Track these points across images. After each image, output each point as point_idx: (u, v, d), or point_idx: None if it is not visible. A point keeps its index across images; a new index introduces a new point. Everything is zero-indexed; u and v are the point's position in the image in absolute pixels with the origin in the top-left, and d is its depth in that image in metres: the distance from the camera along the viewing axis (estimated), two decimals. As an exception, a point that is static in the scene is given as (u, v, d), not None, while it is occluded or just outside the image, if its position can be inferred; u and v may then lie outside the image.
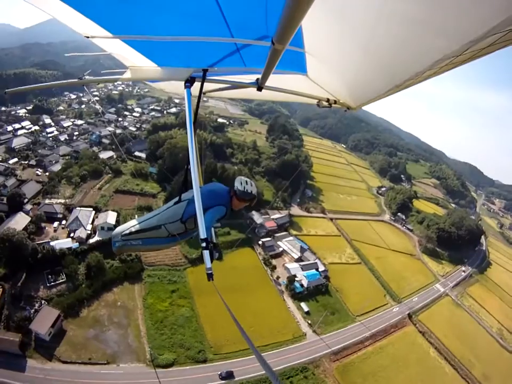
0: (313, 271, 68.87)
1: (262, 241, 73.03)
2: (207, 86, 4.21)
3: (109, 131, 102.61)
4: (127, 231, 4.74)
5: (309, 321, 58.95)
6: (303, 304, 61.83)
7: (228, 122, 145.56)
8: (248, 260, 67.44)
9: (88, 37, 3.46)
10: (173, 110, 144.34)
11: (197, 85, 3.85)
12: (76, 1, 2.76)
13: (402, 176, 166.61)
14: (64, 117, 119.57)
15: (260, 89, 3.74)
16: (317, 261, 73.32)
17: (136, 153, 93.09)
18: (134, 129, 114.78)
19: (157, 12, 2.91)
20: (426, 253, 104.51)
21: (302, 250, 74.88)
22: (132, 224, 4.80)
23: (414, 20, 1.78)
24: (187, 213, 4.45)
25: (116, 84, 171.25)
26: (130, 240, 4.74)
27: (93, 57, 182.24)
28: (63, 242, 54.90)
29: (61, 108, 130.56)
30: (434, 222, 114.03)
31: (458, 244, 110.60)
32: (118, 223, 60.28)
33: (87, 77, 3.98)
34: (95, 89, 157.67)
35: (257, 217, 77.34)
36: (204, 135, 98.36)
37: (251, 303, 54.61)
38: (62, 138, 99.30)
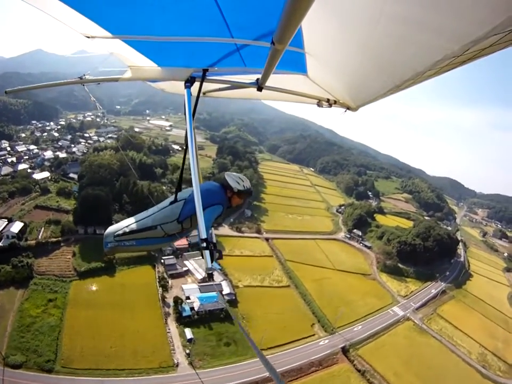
0: (213, 293, 61.35)
1: (163, 259, 69.65)
2: (207, 86, 4.28)
3: (54, 155, 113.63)
4: (120, 232, 4.56)
5: (188, 351, 50.38)
6: (187, 330, 53.80)
7: (179, 148, 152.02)
8: (143, 277, 63.27)
9: (88, 37, 3.45)
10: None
11: (197, 85, 3.86)
12: (76, 1, 2.72)
13: (369, 193, 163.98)
14: (21, 142, 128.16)
15: (260, 89, 3.75)
16: (223, 282, 66.18)
17: (71, 175, 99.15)
18: (80, 154, 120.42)
19: (156, 12, 2.90)
20: (386, 271, 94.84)
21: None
22: (125, 224, 4.62)
23: (414, 20, 1.77)
24: (184, 213, 4.38)
25: (85, 114, 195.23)
26: (123, 241, 4.57)
27: (67, 88, 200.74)
28: (-32, 247, 60.58)
29: (23, 134, 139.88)
30: (396, 235, 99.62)
31: (426, 258, 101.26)
32: (22, 233, 65.66)
33: (87, 77, 4.01)
34: (62, 120, 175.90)
35: (164, 235, 72.60)
36: (134, 155, 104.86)
37: (126, 322, 51.23)
38: (9, 160, 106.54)
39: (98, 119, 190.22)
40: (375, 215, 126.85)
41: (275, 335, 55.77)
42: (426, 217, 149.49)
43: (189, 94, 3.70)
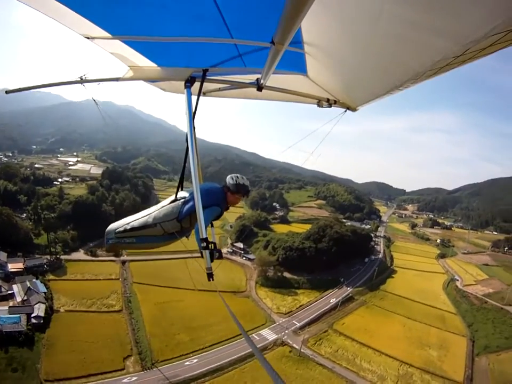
0: (16, 315, 57.55)
1: (-12, 281, 70.19)
2: (208, 86, 4.36)
3: None
4: (121, 229, 4.55)
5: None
6: (-25, 353, 50.47)
7: (70, 179, 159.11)
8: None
9: (88, 38, 3.46)
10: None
11: (197, 85, 3.90)
12: (75, 2, 2.74)
13: (276, 204, 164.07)
14: None
15: (260, 89, 3.81)
16: (37, 305, 61.47)
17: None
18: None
19: (156, 12, 2.95)
20: (268, 285, 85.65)
21: (29, 293, 66.30)
22: (126, 222, 4.59)
23: (413, 21, 1.82)
24: (183, 212, 4.36)
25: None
26: (124, 238, 4.56)
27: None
28: None
29: None
30: (282, 241, 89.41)
31: (324, 262, 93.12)
32: None
33: (87, 77, 4.00)
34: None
35: (-2, 258, 77.09)
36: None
37: None
38: None
39: (6, 159, 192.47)
40: (272, 225, 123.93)
41: (71, 367, 48.02)
42: (344, 220, 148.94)
43: (189, 94, 3.72)
